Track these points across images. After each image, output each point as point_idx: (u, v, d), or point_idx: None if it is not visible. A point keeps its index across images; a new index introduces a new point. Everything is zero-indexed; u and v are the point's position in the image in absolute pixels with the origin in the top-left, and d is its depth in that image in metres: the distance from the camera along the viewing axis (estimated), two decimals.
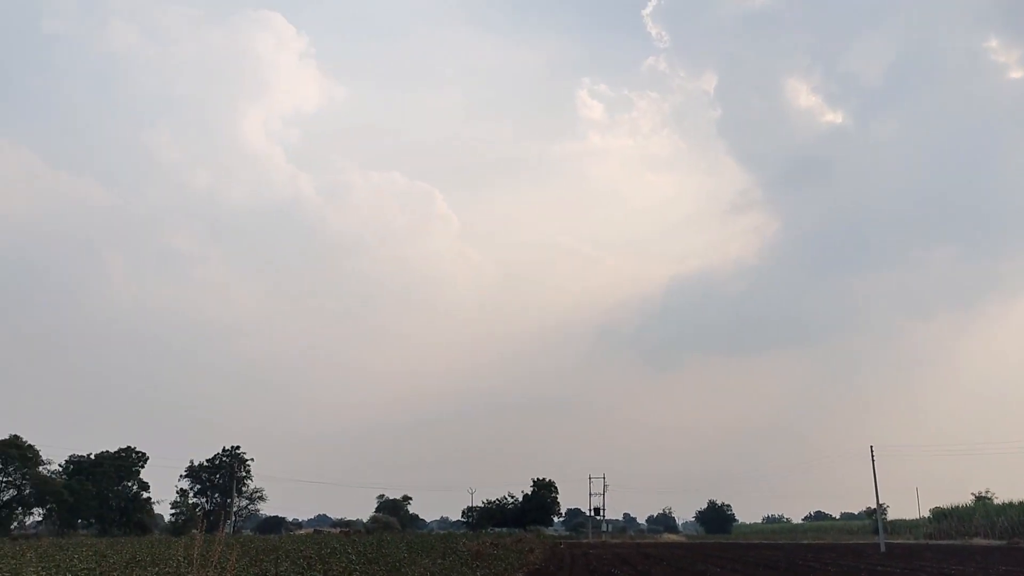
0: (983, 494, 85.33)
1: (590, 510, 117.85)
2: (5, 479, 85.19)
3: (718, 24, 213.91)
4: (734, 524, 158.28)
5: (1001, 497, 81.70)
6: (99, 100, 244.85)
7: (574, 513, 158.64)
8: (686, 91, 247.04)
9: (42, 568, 27.93)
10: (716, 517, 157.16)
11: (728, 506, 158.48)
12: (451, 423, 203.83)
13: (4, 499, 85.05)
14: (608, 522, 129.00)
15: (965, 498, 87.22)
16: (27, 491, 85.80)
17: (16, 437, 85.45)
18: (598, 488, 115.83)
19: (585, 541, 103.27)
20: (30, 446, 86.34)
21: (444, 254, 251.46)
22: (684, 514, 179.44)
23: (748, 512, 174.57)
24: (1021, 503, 71.45)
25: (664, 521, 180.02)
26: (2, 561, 31.49)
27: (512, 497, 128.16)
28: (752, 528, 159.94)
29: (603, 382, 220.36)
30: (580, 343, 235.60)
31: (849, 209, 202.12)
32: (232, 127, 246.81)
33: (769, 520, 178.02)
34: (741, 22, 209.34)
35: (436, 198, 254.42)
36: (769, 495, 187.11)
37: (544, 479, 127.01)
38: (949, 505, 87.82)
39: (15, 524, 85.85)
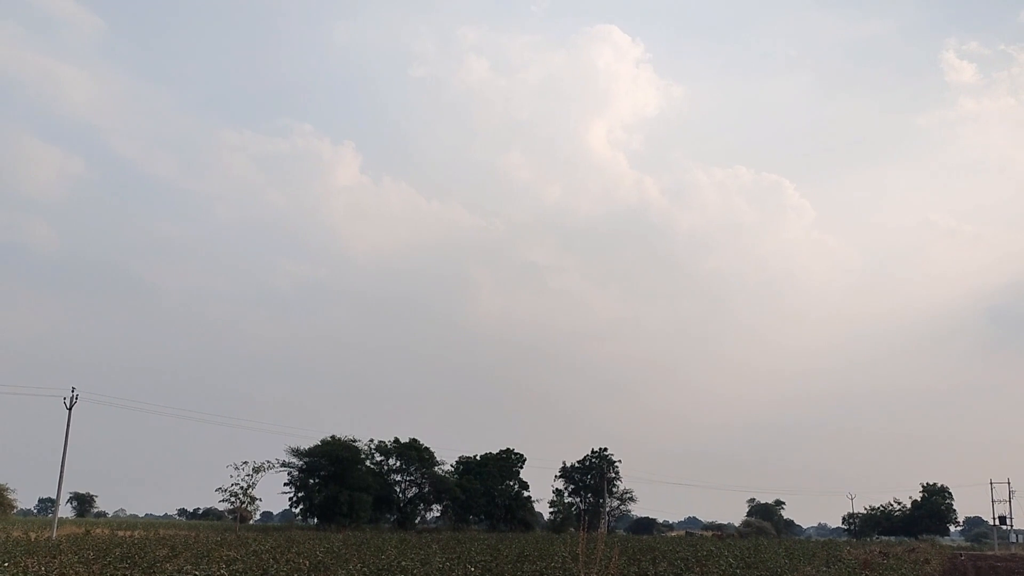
0: None
1: (993, 518, 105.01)
2: (408, 478, 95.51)
3: None
4: None
5: None
6: (460, 132, 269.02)
7: (974, 522, 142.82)
8: None
9: (446, 559, 30.54)
10: None
11: None
12: (824, 424, 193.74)
13: (409, 496, 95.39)
14: (1018, 532, 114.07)
15: None
16: (426, 489, 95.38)
17: (415, 440, 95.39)
18: (1002, 494, 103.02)
19: (990, 553, 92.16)
20: (427, 448, 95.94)
21: (799, 245, 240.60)
22: None
23: None
24: None
25: None
26: (413, 552, 35.04)
27: (898, 503, 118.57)
28: None
29: (1000, 373, 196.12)
30: (967, 332, 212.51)
31: None
32: (577, 141, 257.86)
33: None
34: None
35: (786, 188, 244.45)
36: None
37: (935, 484, 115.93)
38: None
39: (418, 519, 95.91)
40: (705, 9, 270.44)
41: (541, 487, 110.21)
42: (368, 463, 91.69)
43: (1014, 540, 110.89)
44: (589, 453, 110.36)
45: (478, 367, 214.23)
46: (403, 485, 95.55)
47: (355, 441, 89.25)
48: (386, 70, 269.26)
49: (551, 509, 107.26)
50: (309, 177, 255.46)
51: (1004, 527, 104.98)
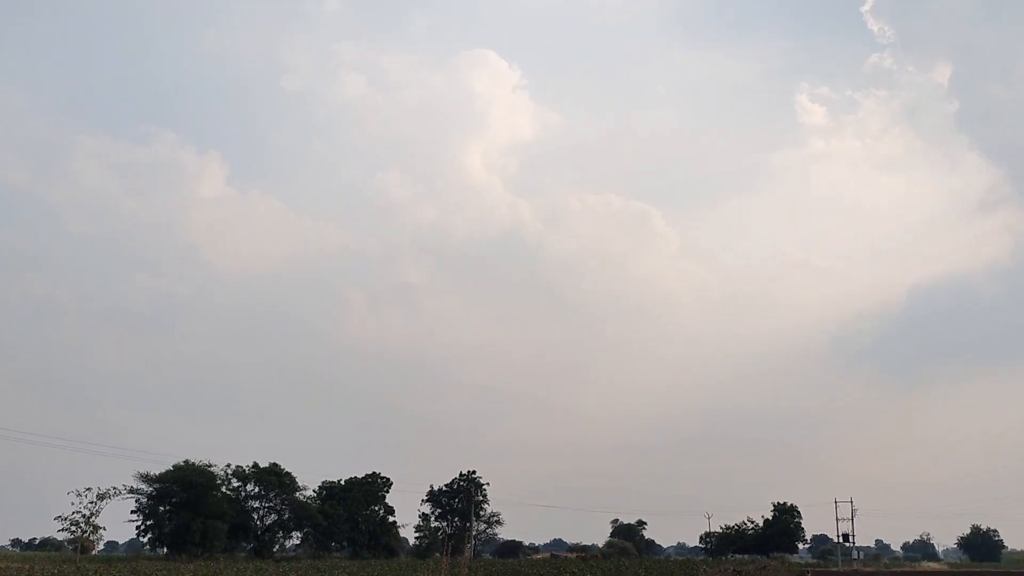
0: None
1: (837, 536, 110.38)
2: (267, 504, 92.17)
3: (948, 11, 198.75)
4: (1003, 551, 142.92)
5: None
6: (334, 148, 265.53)
7: (820, 539, 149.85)
8: (917, 86, 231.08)
9: None
10: (982, 544, 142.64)
11: (995, 531, 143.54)
12: (683, 445, 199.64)
13: (268, 523, 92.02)
14: (859, 549, 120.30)
15: None
16: (286, 515, 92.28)
17: (275, 465, 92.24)
18: (845, 513, 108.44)
19: (835, 570, 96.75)
20: (288, 473, 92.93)
21: (665, 272, 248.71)
22: (945, 540, 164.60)
23: (1018, 538, 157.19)
24: None
25: (922, 548, 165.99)
26: None
27: (752, 522, 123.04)
28: None
29: (843, 398, 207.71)
30: (814, 358, 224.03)
31: None
32: (454, 163, 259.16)
33: None
34: (975, 5, 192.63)
35: (653, 216, 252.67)
36: None
37: (785, 503, 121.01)
38: None
39: (277, 547, 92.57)
40: (580, 41, 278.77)
41: (408, 512, 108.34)
42: (224, 489, 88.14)
43: (856, 557, 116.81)
44: (457, 476, 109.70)
45: (346, 389, 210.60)
46: (261, 512, 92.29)
47: (211, 466, 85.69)
48: (258, 81, 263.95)
49: (417, 534, 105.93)
50: (170, 187, 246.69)
51: (847, 544, 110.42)
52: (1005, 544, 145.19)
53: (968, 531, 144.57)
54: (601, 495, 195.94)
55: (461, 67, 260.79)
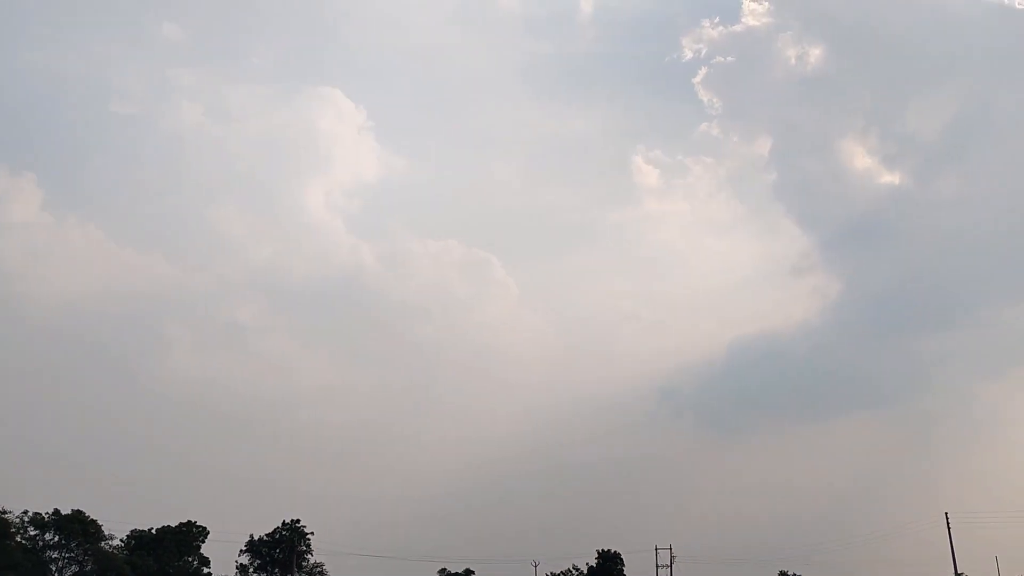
0: None
1: None
2: (67, 555, 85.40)
3: (770, 89, 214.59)
4: None
5: None
6: (165, 177, 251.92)
7: None
8: (741, 155, 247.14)
9: None
10: None
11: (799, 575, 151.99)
12: (513, 494, 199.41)
13: None
14: None
15: None
16: (89, 567, 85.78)
17: (79, 512, 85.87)
18: (665, 559, 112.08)
19: None
20: (93, 521, 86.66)
21: (506, 321, 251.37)
22: None
23: None
24: None
25: None
26: None
27: (577, 569, 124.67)
28: None
29: (667, 448, 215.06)
30: (642, 408, 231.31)
31: (913, 269, 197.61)
32: (294, 200, 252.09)
33: None
34: (794, 86, 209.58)
35: (494, 265, 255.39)
36: (837, 568, 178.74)
37: (609, 550, 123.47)
38: None
39: None
40: (428, 87, 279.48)
41: (225, 563, 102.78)
42: (20, 538, 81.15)
43: None
44: (280, 525, 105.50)
45: (163, 430, 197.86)
46: (61, 563, 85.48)
47: (4, 513, 78.71)
48: (84, 103, 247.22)
49: None
50: None
51: None
52: None
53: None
54: (430, 544, 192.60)
55: (306, 103, 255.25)
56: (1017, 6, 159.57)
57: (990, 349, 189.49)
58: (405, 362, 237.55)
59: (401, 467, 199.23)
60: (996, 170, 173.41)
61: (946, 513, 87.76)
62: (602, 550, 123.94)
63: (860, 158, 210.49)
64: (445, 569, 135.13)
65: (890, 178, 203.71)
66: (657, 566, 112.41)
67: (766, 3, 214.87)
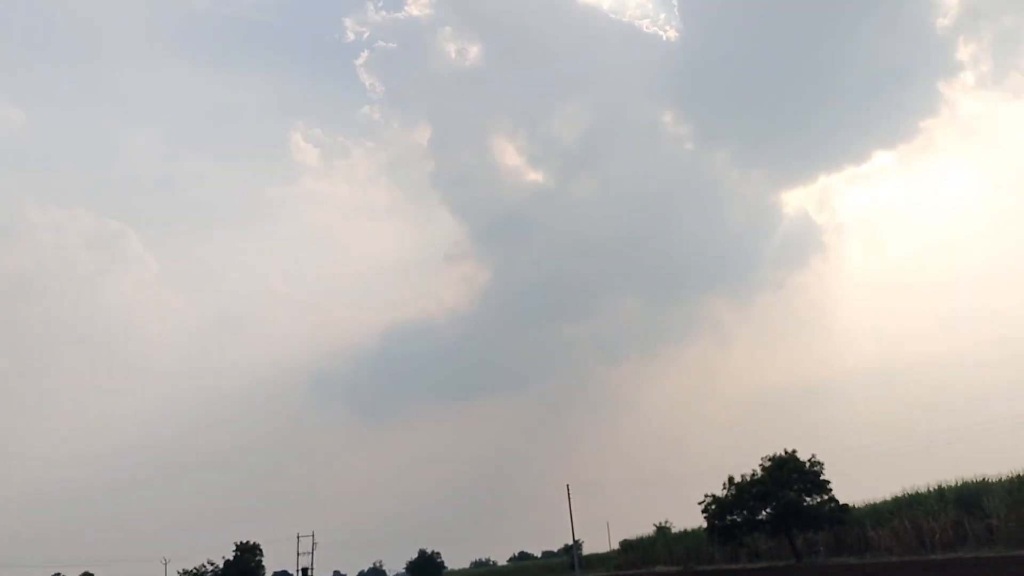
0: (663, 524, 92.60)
1: (297, 570, 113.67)
2: None
3: (431, 79, 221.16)
4: (444, 571, 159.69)
5: (679, 526, 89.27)
6: None
7: (280, 575, 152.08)
8: (401, 142, 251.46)
9: None
10: (427, 565, 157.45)
11: (438, 554, 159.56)
12: (142, 488, 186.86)
13: None
14: None
15: (648, 529, 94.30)
16: None
17: None
18: (307, 547, 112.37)
19: None
20: None
21: (140, 301, 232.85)
22: (395, 565, 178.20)
23: (457, 559, 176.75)
24: (694, 530, 77.89)
25: (375, 574, 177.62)
26: None
27: (212, 564, 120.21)
28: (461, 574, 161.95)
29: (317, 435, 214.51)
30: (295, 395, 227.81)
31: (552, 262, 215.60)
32: None
33: (477, 564, 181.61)
34: (453, 79, 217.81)
35: (129, 237, 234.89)
36: (477, 539, 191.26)
37: (248, 542, 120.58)
38: (635, 536, 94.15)
39: None
40: (55, 31, 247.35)
41: None
42: None
43: None
44: None
45: None
46: None
47: None
48: None
49: None
50: None
51: None
52: (446, 565, 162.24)
53: (416, 555, 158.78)
54: (41, 548, 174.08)
55: None
56: (644, 30, 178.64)
57: (611, 337, 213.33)
58: (14, 343, 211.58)
59: (18, 463, 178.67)
60: (621, 177, 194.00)
61: (567, 484, 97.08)
62: (240, 542, 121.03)
63: (510, 156, 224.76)
64: (60, 574, 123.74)
65: (535, 177, 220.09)
66: (298, 553, 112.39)
67: None
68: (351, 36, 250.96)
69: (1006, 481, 45.37)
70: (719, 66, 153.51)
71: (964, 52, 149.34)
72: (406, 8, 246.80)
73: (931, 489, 50.94)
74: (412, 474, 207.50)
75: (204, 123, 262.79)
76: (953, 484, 49.53)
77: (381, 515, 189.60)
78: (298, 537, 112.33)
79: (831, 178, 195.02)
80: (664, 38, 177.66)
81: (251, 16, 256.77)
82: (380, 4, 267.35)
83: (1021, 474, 44.84)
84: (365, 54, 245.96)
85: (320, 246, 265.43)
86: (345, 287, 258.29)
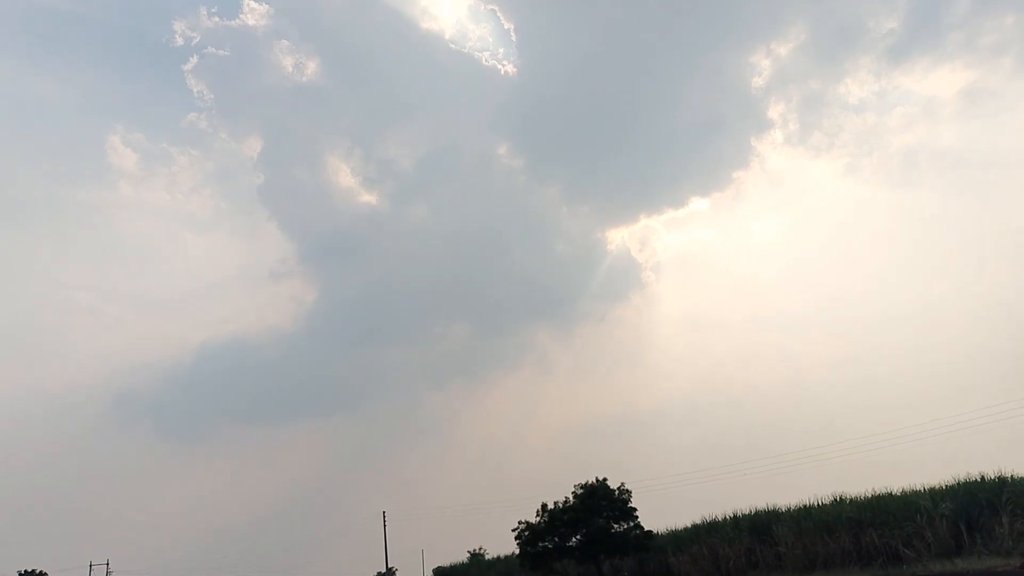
0: (477, 551, 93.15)
1: None
2: None
3: (265, 91, 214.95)
4: None
5: (493, 552, 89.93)
6: None
7: None
8: (229, 153, 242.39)
9: None
10: None
11: None
12: None
13: None
14: None
15: (463, 556, 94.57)
16: None
17: None
18: (100, 574, 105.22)
19: None
20: None
21: None
22: None
23: None
24: (507, 557, 78.51)
25: None
26: None
27: None
28: None
29: (118, 457, 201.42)
30: (94, 415, 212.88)
31: (383, 285, 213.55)
32: None
33: None
34: (289, 94, 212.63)
35: None
36: (289, 570, 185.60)
37: (33, 570, 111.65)
38: (449, 564, 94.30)
39: None
40: None
41: None
42: None
43: None
44: None
45: None
46: None
47: None
48: None
49: None
50: None
51: None
52: None
53: None
54: None
55: None
56: (484, 62, 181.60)
57: (437, 363, 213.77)
58: None
59: None
60: (454, 205, 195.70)
61: (384, 512, 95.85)
62: (24, 571, 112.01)
63: (344, 176, 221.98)
64: None
65: (368, 199, 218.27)
66: None
67: (267, 5, 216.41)
68: (180, 40, 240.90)
69: (794, 511, 48.36)
70: (554, 105, 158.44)
71: (775, 111, 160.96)
72: (241, 16, 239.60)
73: (727, 517, 53.58)
74: (223, 502, 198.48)
75: (11, 119, 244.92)
76: (747, 512, 52.39)
77: (186, 545, 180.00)
78: (91, 565, 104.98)
79: (651, 219, 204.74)
80: (502, 72, 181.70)
81: (71, 9, 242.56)
82: (214, 10, 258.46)
83: (807, 504, 48.01)
84: (194, 59, 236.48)
85: (135, 256, 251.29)
86: (160, 300, 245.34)
